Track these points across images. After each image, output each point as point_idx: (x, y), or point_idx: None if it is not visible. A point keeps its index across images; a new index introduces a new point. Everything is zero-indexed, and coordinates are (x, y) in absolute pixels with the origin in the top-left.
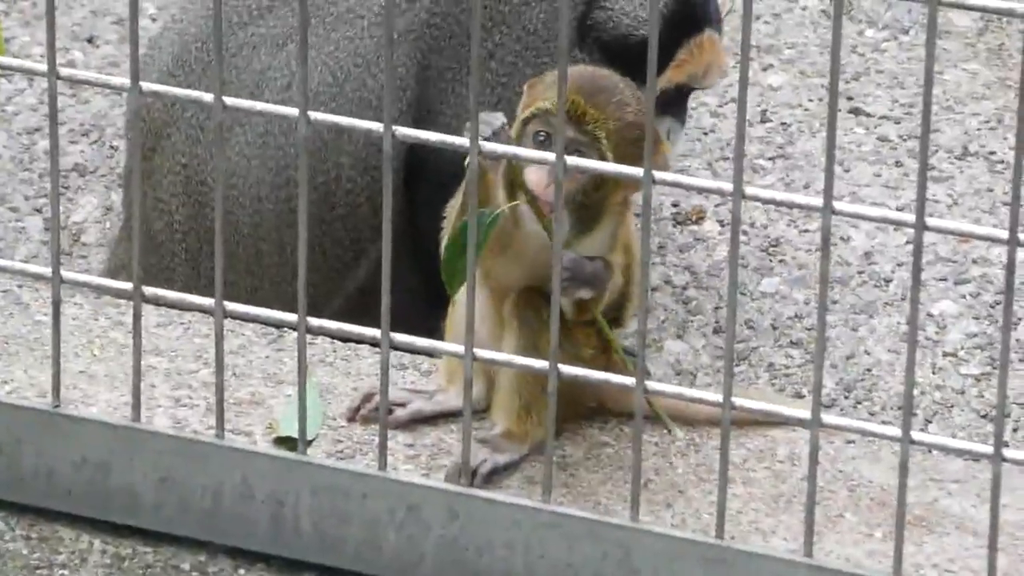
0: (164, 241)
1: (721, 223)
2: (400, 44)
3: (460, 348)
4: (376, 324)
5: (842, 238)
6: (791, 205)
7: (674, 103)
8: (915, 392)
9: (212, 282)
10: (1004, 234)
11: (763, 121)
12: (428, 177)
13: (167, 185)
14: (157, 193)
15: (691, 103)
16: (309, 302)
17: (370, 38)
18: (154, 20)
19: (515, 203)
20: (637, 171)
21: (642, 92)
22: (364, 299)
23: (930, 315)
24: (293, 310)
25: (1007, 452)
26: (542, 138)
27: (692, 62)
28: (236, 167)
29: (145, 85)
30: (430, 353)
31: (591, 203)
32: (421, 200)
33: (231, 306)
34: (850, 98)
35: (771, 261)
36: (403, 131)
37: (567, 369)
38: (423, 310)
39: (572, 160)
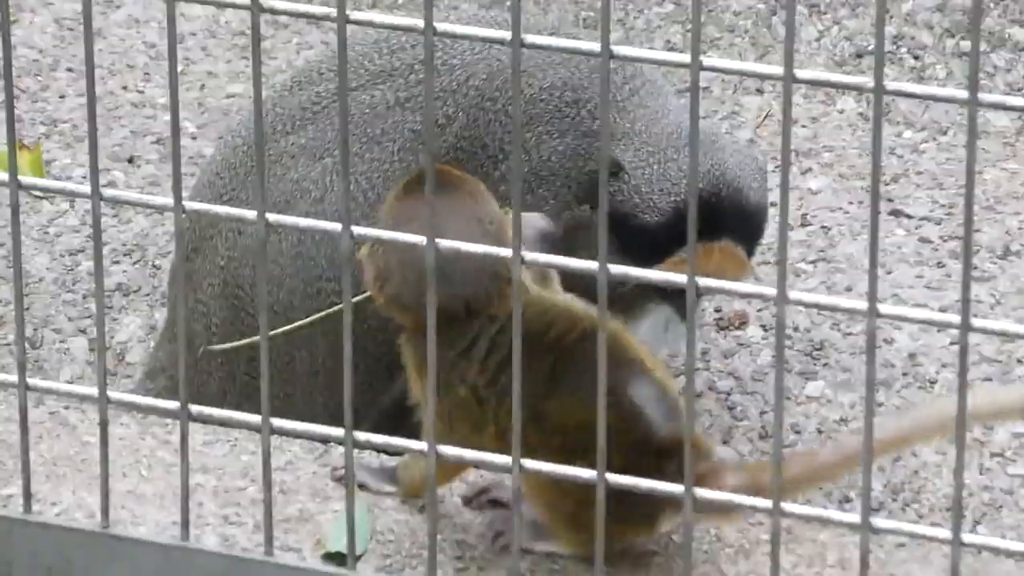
0: (202, 344)
1: (764, 328)
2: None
3: (507, 460)
4: (415, 436)
5: (886, 340)
6: (835, 308)
7: (678, 295)
8: (963, 494)
9: (247, 386)
10: None
11: (803, 225)
12: None
13: (207, 287)
14: (198, 295)
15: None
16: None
17: (399, 162)
18: (194, 139)
19: None
20: (680, 278)
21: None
22: (400, 411)
23: None
24: (325, 419)
25: None
26: None
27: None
28: (270, 276)
29: (187, 204)
30: (476, 465)
31: None
32: None
33: (278, 423)
34: (890, 200)
35: (815, 365)
36: (445, 243)
37: (615, 478)
38: None
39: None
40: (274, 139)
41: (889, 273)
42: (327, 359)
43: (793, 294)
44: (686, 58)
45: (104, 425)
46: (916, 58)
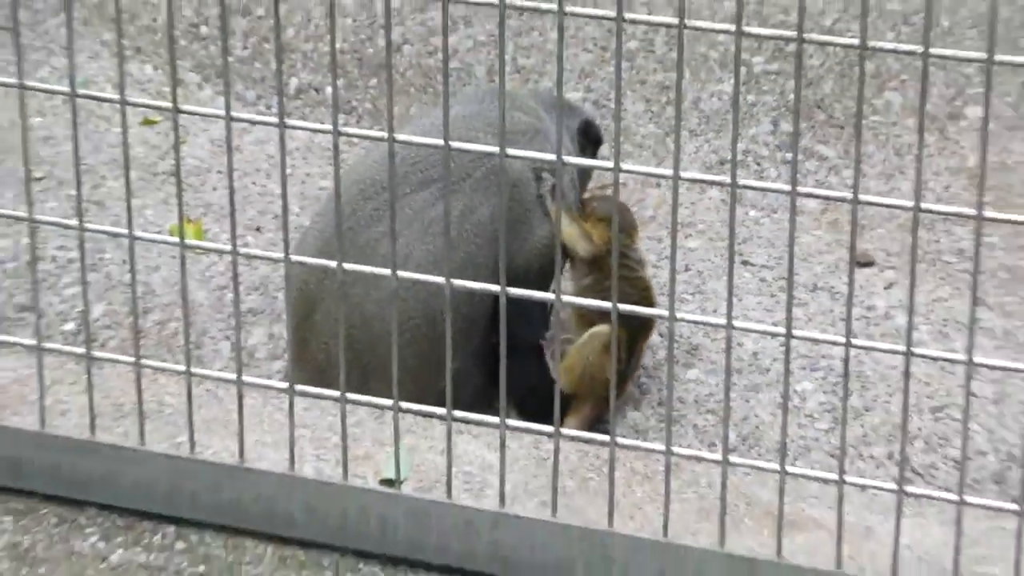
0: (325, 370)
1: (661, 336)
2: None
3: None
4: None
5: (739, 344)
6: (701, 323)
7: None
8: None
9: (375, 380)
10: None
11: (686, 269)
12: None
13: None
14: (320, 339)
15: None
16: (418, 387)
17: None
18: (297, 215)
19: None
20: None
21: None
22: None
23: None
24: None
25: None
26: None
27: None
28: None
29: (293, 257)
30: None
31: None
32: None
33: (351, 396)
34: (740, 254)
35: (693, 358)
36: (459, 282)
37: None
38: (482, 402)
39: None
40: (366, 226)
41: (740, 301)
42: (431, 351)
43: (680, 314)
44: (610, 163)
45: (240, 398)
46: (758, 164)
